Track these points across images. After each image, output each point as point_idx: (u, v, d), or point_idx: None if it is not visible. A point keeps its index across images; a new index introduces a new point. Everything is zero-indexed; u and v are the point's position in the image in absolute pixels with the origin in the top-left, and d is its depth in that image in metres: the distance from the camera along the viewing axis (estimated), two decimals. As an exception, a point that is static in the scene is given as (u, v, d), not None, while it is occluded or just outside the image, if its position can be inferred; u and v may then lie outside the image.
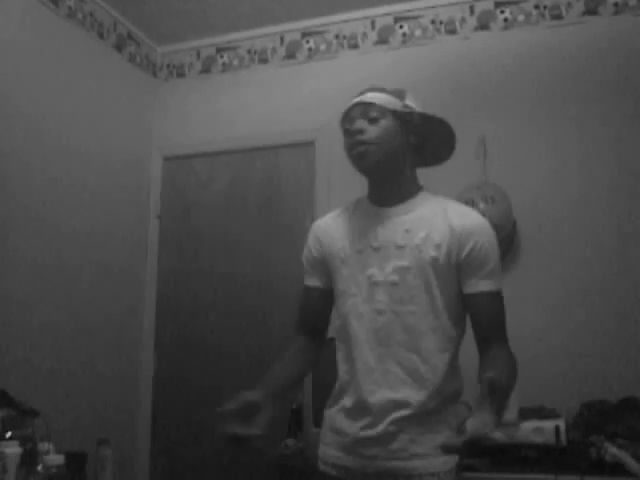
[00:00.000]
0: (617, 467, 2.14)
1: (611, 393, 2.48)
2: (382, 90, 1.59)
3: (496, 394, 1.21)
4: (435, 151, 1.67)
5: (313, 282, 1.70)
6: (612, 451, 2.17)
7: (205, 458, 3.24)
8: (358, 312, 1.55)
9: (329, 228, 1.68)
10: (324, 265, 1.66)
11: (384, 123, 1.55)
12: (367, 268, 1.56)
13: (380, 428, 1.50)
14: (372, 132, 1.54)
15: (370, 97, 1.57)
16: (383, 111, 1.55)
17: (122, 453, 2.98)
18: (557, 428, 2.27)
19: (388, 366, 1.51)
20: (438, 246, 1.51)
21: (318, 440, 1.65)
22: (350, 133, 1.57)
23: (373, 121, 1.55)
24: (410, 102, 1.60)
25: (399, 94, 1.60)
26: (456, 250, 1.51)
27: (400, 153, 1.58)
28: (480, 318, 1.53)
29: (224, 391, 3.19)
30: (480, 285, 1.52)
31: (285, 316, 3.14)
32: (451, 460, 1.51)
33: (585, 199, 2.81)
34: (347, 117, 1.59)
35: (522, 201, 2.81)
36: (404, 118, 1.57)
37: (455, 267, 1.52)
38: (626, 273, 2.70)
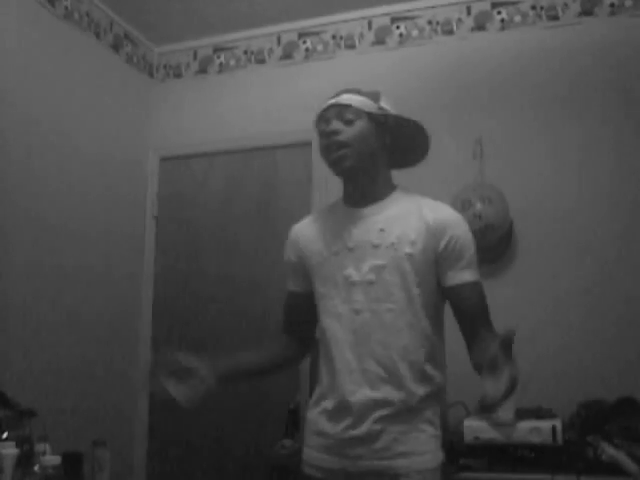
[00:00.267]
0: (614, 467, 2.15)
1: (608, 393, 2.48)
2: (357, 92, 1.61)
3: (511, 346, 1.23)
4: (409, 153, 1.69)
5: (294, 287, 1.74)
6: (609, 451, 2.17)
7: (202, 459, 3.23)
8: (337, 313, 1.57)
9: (306, 232, 1.70)
10: (303, 269, 1.68)
11: (359, 125, 1.56)
12: (344, 269, 1.57)
13: (363, 428, 1.50)
14: (348, 133, 1.56)
15: (346, 99, 1.58)
16: (358, 113, 1.57)
17: (119, 454, 2.97)
18: (554, 428, 2.28)
19: (367, 365, 1.52)
20: (413, 243, 1.53)
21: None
22: (326, 134, 1.58)
23: (349, 123, 1.56)
24: (385, 104, 1.61)
25: (374, 96, 1.61)
26: (432, 245, 1.53)
27: (375, 155, 1.60)
28: (465, 309, 1.54)
29: (221, 391, 3.20)
30: (460, 277, 1.53)
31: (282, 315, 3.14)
32: (436, 458, 1.52)
33: (582, 199, 2.81)
34: (322, 118, 1.61)
35: (519, 201, 2.81)
36: (379, 120, 1.59)
37: (433, 262, 1.54)
38: (624, 273, 2.70)
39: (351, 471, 1.52)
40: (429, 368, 1.54)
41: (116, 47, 3.36)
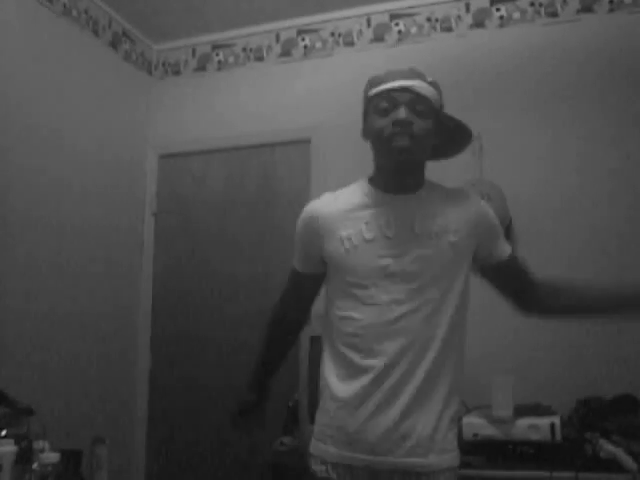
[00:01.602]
0: (612, 464, 2.15)
1: (606, 390, 2.48)
2: (423, 78, 1.50)
3: None
4: (444, 148, 1.63)
5: (305, 268, 1.63)
6: (607, 448, 2.18)
7: (201, 456, 3.24)
8: (373, 303, 1.48)
9: (327, 213, 1.57)
10: (316, 250, 1.57)
11: (429, 122, 1.49)
12: (381, 258, 1.49)
13: (399, 423, 1.45)
14: (420, 127, 1.47)
15: (421, 88, 1.48)
16: (430, 109, 1.49)
17: (118, 451, 2.97)
18: (552, 425, 2.28)
19: (406, 357, 1.46)
20: (456, 231, 1.52)
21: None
22: (398, 122, 1.46)
23: (420, 115, 1.47)
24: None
25: (437, 88, 1.53)
26: (475, 231, 1.55)
27: (429, 150, 1.56)
28: (519, 274, 1.64)
29: (220, 388, 3.20)
30: (506, 249, 1.61)
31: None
32: (458, 456, 1.52)
33: (581, 196, 2.81)
34: (389, 99, 1.48)
35: (518, 198, 2.81)
36: (441, 119, 1.53)
37: (474, 245, 1.56)
38: (622, 270, 2.70)
39: (376, 468, 1.46)
40: (456, 360, 1.52)
41: (114, 44, 3.36)
